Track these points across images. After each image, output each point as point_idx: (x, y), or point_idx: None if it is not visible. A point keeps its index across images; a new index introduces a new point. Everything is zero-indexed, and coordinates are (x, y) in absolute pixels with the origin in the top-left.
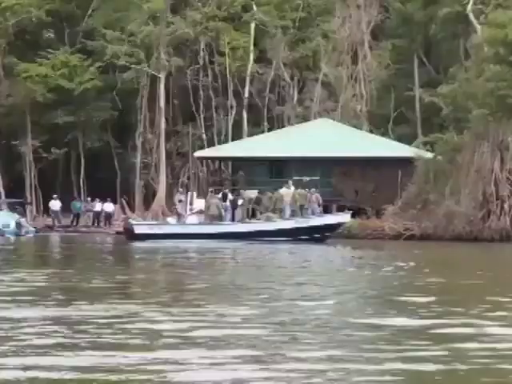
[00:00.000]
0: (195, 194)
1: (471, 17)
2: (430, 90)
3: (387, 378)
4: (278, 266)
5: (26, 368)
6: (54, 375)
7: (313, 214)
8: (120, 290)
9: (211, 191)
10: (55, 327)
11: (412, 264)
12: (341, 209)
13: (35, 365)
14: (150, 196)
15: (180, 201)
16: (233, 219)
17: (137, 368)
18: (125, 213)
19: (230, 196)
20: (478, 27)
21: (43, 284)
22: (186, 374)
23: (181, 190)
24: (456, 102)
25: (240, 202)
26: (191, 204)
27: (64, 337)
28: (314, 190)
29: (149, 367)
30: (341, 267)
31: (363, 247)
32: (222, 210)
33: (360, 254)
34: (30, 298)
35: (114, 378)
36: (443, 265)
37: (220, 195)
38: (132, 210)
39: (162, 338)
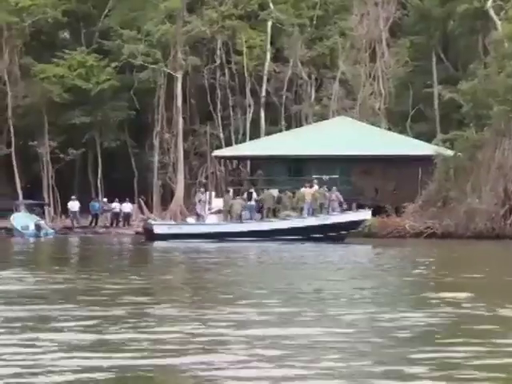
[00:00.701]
0: (213, 193)
1: (491, 13)
2: (448, 86)
3: None
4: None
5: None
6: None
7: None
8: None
9: (227, 191)
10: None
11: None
12: (361, 207)
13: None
14: (167, 196)
15: (199, 200)
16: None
17: None
18: (143, 213)
19: (254, 195)
20: (499, 23)
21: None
22: None
23: (202, 189)
24: (476, 98)
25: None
26: (210, 203)
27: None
28: (334, 188)
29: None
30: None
31: (392, 246)
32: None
33: (392, 254)
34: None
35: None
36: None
37: (245, 195)
38: (150, 210)
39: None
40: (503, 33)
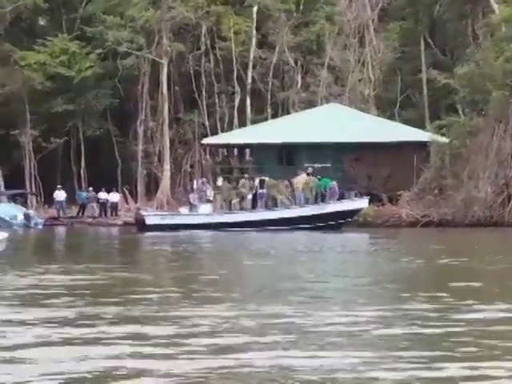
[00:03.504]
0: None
1: None
2: (436, 72)
3: None
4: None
5: None
6: None
7: (330, 201)
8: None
9: (222, 179)
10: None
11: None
12: (360, 195)
13: None
14: (151, 185)
15: (195, 189)
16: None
17: None
18: (127, 203)
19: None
20: (496, 6)
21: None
22: None
23: (204, 179)
24: (473, 83)
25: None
26: (206, 193)
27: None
28: (334, 182)
29: None
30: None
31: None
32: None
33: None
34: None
35: None
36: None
37: (257, 182)
38: (134, 199)
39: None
40: (501, 16)
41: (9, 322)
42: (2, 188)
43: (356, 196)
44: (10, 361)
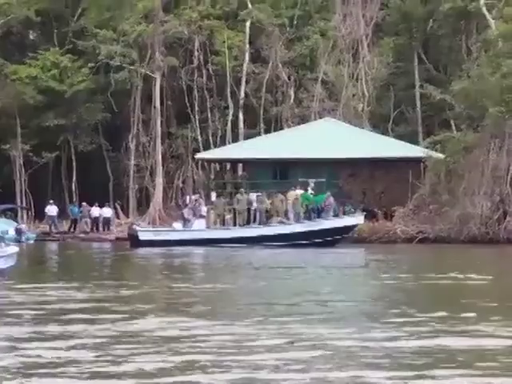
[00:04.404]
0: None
1: (484, 11)
2: (433, 88)
3: None
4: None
5: None
6: None
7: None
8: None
9: (208, 195)
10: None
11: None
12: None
13: None
14: (142, 200)
15: (186, 205)
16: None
17: None
18: (119, 218)
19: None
20: (492, 22)
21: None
22: None
23: (198, 194)
24: (469, 99)
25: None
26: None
27: None
28: (328, 193)
29: None
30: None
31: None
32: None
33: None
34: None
35: None
36: None
37: (255, 197)
38: (126, 214)
39: None
40: (497, 31)
41: None
42: None
43: (354, 210)
44: None
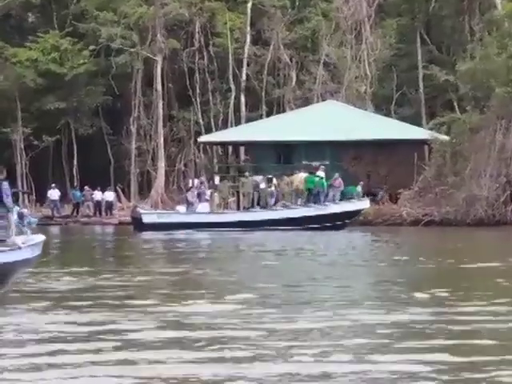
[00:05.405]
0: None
1: None
2: (438, 69)
3: None
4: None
5: None
6: None
7: (334, 200)
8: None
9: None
10: None
11: None
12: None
13: None
14: (144, 184)
15: (191, 187)
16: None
17: None
18: (120, 201)
19: (274, 181)
20: (498, 2)
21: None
22: None
23: (202, 177)
24: (475, 79)
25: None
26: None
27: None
28: (336, 174)
29: None
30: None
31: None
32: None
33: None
34: None
35: None
36: None
37: (263, 180)
38: (127, 198)
39: None
40: (504, 11)
41: None
42: None
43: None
44: None
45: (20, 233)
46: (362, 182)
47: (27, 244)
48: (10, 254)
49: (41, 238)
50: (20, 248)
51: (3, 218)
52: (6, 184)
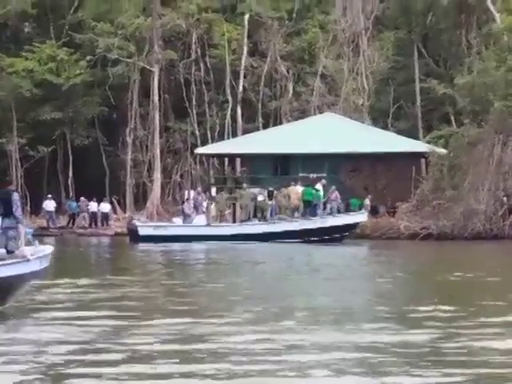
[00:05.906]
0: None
1: (489, 4)
2: (436, 82)
3: None
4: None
5: None
6: None
7: (331, 212)
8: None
9: (206, 190)
10: None
11: None
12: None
13: None
14: (139, 195)
15: (187, 199)
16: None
17: None
18: (116, 213)
19: (275, 194)
20: (497, 15)
21: None
22: None
23: (199, 189)
24: (473, 93)
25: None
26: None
27: None
28: (333, 187)
29: None
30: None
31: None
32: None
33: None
34: None
35: None
36: None
37: (263, 192)
38: (123, 209)
39: None
40: (503, 25)
41: None
42: None
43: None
44: None
45: (28, 243)
46: (370, 196)
47: (36, 256)
48: (19, 266)
49: (49, 249)
50: (29, 260)
51: (13, 229)
52: (16, 195)
